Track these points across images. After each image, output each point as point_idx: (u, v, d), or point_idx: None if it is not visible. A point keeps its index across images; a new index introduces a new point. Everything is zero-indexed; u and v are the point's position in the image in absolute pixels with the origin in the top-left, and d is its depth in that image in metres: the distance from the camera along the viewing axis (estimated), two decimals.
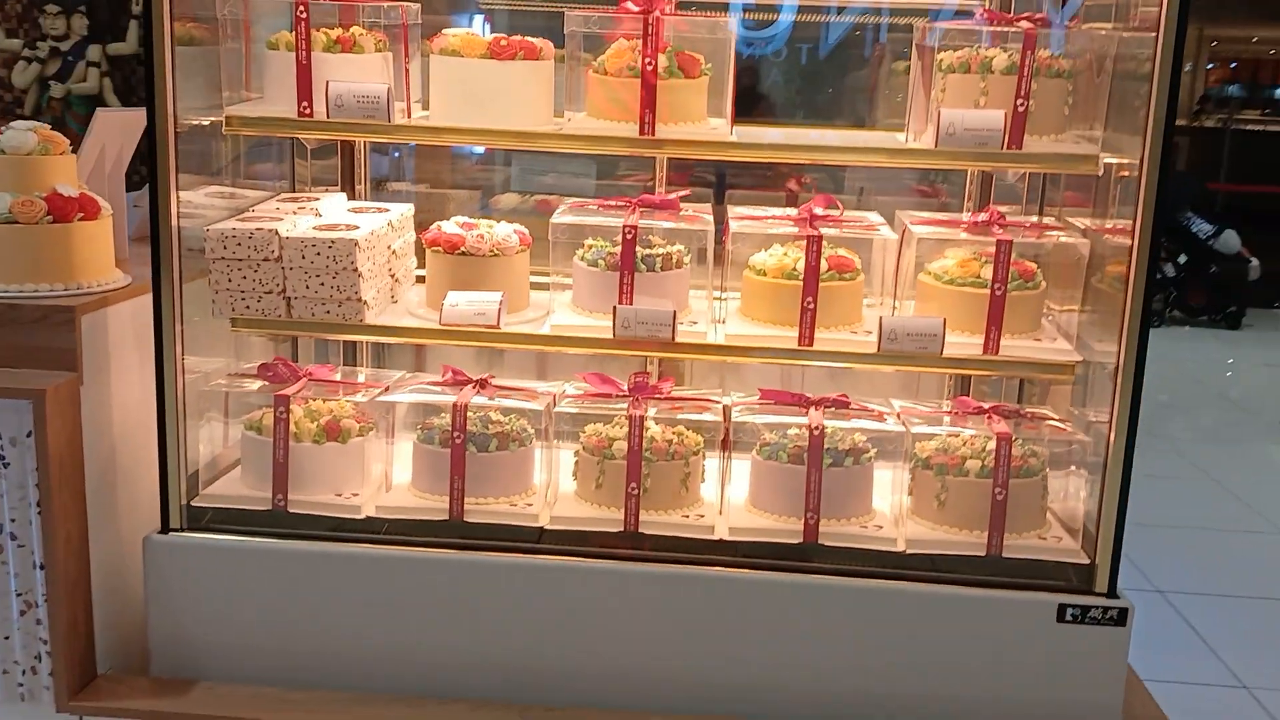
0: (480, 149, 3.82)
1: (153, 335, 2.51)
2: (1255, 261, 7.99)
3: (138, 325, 2.63)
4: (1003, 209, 2.79)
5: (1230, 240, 8.20)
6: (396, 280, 2.89)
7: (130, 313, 2.63)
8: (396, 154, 3.66)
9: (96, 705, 2.49)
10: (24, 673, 2.49)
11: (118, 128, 2.98)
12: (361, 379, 2.90)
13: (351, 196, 3.13)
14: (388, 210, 2.94)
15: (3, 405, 2.37)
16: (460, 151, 3.83)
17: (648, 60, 2.53)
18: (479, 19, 3.36)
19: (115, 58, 11.23)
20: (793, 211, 2.82)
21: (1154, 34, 2.28)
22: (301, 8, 2.57)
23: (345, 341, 3.17)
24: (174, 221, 2.48)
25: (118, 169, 2.99)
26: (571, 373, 2.97)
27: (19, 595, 2.46)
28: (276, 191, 3.05)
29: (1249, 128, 11.01)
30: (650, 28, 2.53)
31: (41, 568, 2.43)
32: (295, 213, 2.80)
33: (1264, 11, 11.04)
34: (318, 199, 2.96)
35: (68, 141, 2.66)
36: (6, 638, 2.48)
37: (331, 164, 3.18)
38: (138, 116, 2.66)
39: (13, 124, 2.58)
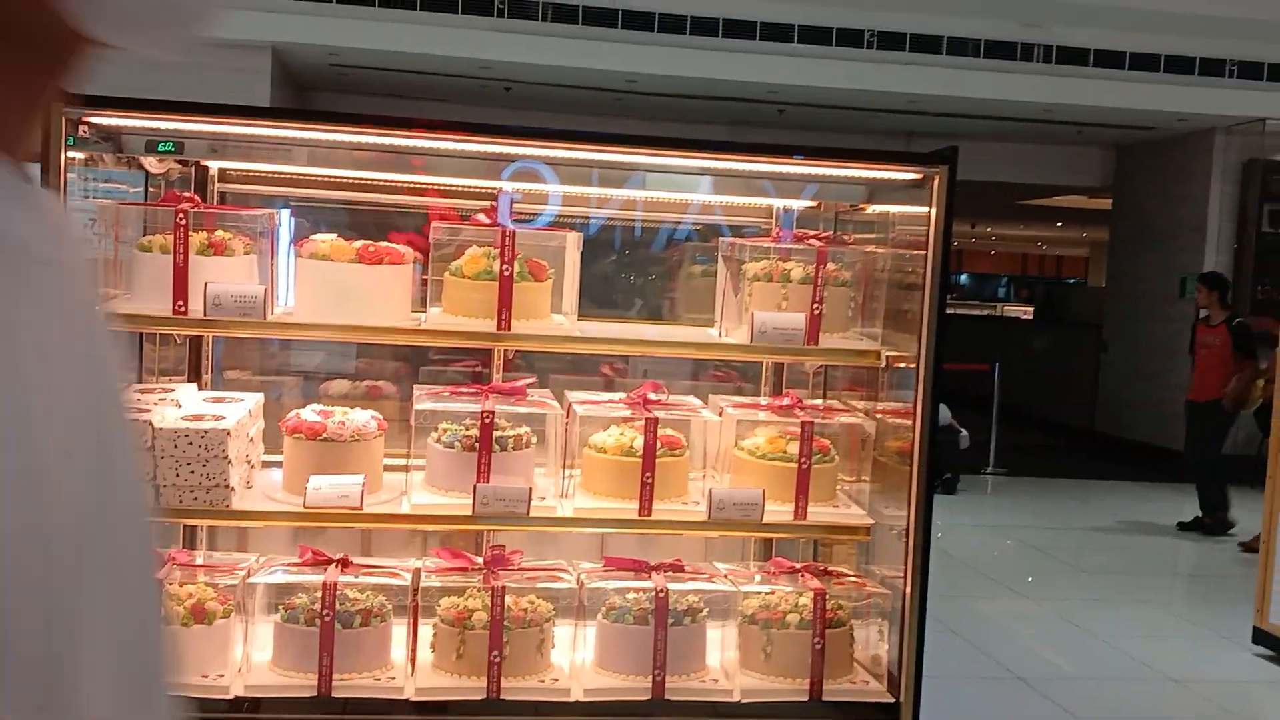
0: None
1: None
2: (965, 432, 9.04)
3: None
4: (796, 393, 3.27)
5: (943, 414, 9.23)
6: (251, 466, 3.02)
7: None
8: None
9: None
10: None
11: None
12: (206, 562, 2.99)
13: (200, 386, 3.26)
14: (242, 400, 3.09)
15: None
16: (290, 343, 4.00)
17: (505, 267, 2.88)
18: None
19: None
20: (621, 396, 3.19)
21: (921, 251, 2.85)
22: (181, 215, 2.77)
23: (191, 525, 3.23)
24: None
25: None
26: (410, 550, 3.17)
27: None
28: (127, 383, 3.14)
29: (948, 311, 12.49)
30: (506, 239, 2.88)
31: None
32: (156, 404, 2.91)
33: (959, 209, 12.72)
34: (173, 390, 3.08)
35: None
36: None
37: (173, 352, 3.31)
38: None
39: None
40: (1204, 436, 7.68)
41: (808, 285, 3.00)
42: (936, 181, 2.81)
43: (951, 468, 8.68)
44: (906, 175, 2.93)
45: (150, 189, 3.28)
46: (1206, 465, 7.75)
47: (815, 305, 2.97)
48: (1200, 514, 7.81)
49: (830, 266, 3.07)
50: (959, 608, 5.80)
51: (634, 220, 3.82)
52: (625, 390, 3.31)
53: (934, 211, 2.82)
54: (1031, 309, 19.32)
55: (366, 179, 3.26)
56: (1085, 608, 6.04)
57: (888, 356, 3.00)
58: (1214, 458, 7.70)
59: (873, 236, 3.32)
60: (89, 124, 2.67)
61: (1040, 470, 10.06)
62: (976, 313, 20.32)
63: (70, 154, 2.63)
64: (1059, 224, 19.42)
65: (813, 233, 3.21)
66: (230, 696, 2.70)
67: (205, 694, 2.69)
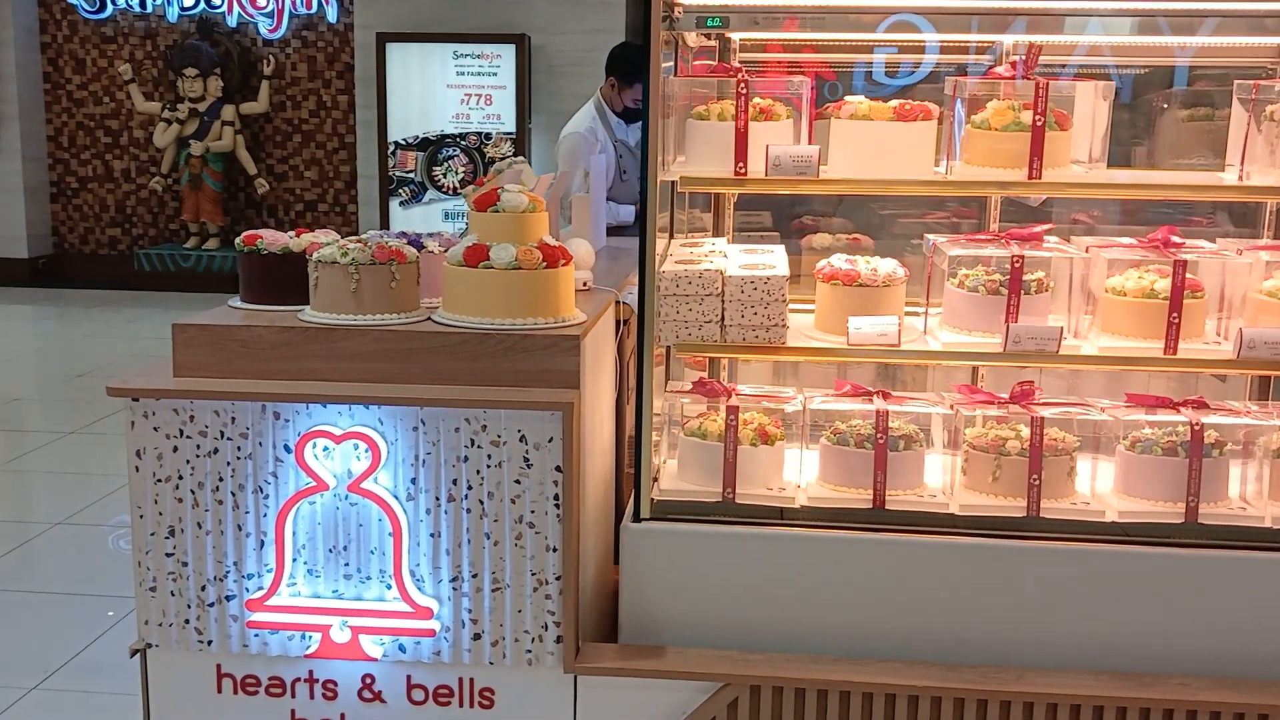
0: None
1: (638, 361, 3.01)
2: None
3: (592, 354, 3.14)
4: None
5: None
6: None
7: (591, 341, 3.14)
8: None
9: (596, 667, 2.96)
10: (532, 640, 2.98)
11: (545, 183, 3.51)
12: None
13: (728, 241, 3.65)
14: (773, 250, 3.45)
15: (532, 416, 2.87)
16: (777, 201, 4.34)
17: (1038, 117, 3.03)
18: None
19: (247, 117, 11.91)
20: (1133, 240, 3.30)
21: None
22: (742, 85, 3.10)
23: (710, 358, 3.67)
24: (656, 265, 3.00)
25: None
26: (911, 387, 3.46)
27: (533, 574, 2.95)
28: (667, 237, 3.57)
29: None
30: (1040, 90, 3.03)
31: (554, 550, 2.92)
32: (708, 255, 3.31)
33: None
34: (712, 243, 3.48)
35: (544, 200, 3.18)
36: (520, 611, 2.96)
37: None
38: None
39: (507, 187, 3.11)
40: None
41: None
42: None
43: None
44: None
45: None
46: None
47: None
48: None
49: None
50: None
51: (1108, 68, 3.83)
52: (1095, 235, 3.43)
53: None
54: None
55: (869, 40, 3.48)
56: None
57: None
58: None
59: None
60: (679, 4, 3.03)
61: None
62: None
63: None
64: None
65: None
66: (797, 505, 3.12)
67: (776, 502, 3.12)
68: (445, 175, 10.55)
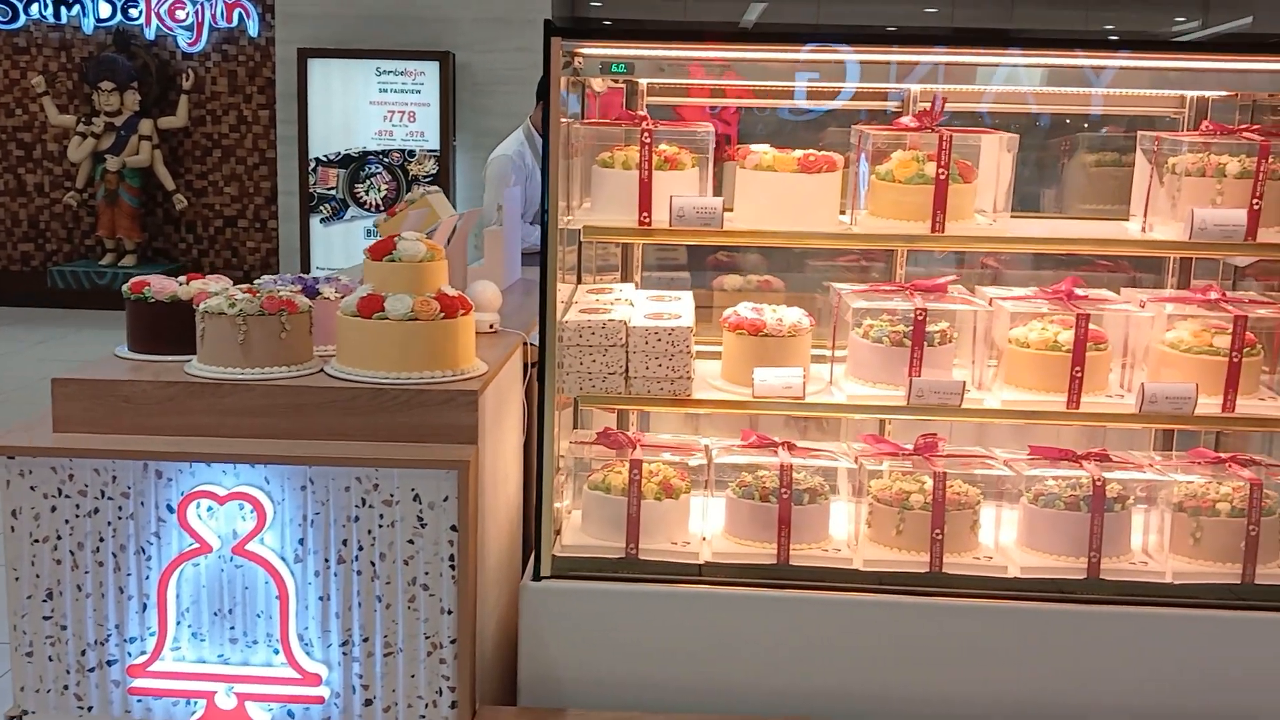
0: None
1: (536, 411, 2.94)
2: None
3: (494, 405, 3.06)
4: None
5: None
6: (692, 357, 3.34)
7: (493, 392, 3.06)
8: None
9: None
10: (426, 705, 2.88)
11: (448, 227, 3.43)
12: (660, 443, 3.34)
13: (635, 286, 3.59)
14: (680, 298, 3.40)
15: (426, 475, 2.78)
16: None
17: (941, 170, 3.02)
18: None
19: (165, 131, 11.65)
20: (1035, 290, 3.30)
21: None
22: (646, 135, 3.04)
23: (619, 410, 3.60)
24: (557, 315, 2.93)
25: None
26: (820, 437, 3.44)
27: (427, 638, 2.86)
28: (573, 283, 3.51)
29: None
30: (944, 143, 3.01)
31: (449, 613, 2.84)
32: (612, 303, 3.25)
33: None
34: (619, 290, 3.42)
35: (442, 249, 3.10)
36: (413, 676, 2.87)
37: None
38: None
39: (404, 235, 3.02)
40: None
41: (1245, 180, 2.99)
42: None
43: None
44: None
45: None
46: None
47: (1255, 200, 2.97)
48: None
49: (1269, 160, 3.04)
50: None
51: (1022, 111, 3.84)
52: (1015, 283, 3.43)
53: None
54: None
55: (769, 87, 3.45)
56: None
57: None
58: None
59: None
60: (580, 54, 2.97)
61: None
62: None
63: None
64: None
65: (1244, 126, 3.17)
66: (700, 561, 3.06)
67: (680, 558, 3.06)
68: (368, 192, 10.38)
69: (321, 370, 2.98)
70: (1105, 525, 3.02)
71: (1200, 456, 3.21)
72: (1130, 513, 3.12)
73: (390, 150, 10.48)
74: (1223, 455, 3.19)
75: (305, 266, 10.37)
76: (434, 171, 10.29)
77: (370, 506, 2.79)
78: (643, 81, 3.50)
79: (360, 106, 10.57)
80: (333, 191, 10.65)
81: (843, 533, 3.17)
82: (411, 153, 10.46)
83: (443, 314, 2.93)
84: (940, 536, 3.03)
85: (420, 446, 2.84)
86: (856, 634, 2.98)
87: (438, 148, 10.40)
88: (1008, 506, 3.19)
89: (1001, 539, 3.16)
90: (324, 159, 10.70)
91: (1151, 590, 3.00)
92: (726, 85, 3.42)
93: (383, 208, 10.25)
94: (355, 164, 10.62)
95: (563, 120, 3.13)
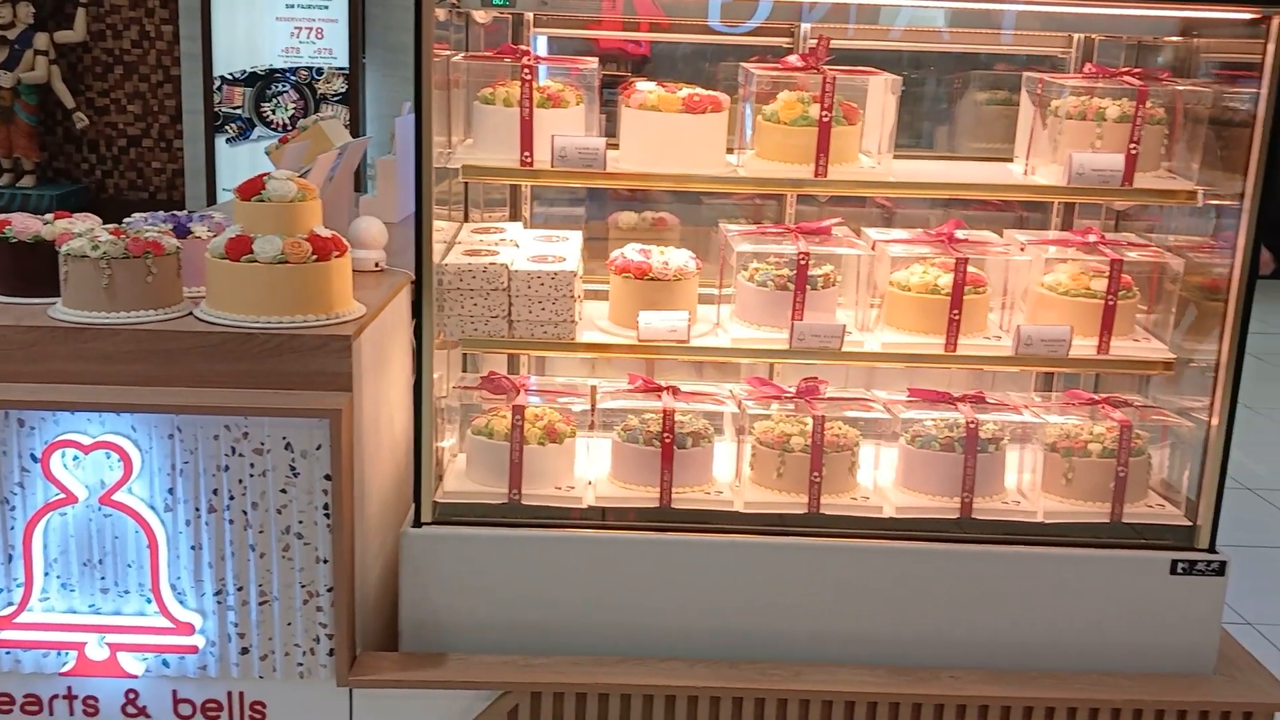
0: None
1: (415, 356, 2.90)
2: None
3: (374, 348, 3.00)
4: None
5: None
6: (580, 300, 3.30)
7: (372, 335, 3.00)
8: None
9: (372, 679, 2.88)
10: (304, 653, 2.87)
11: (325, 163, 3.32)
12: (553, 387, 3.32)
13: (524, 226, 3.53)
14: (568, 238, 3.35)
15: (298, 423, 2.73)
16: None
17: (825, 113, 2.99)
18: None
19: (63, 46, 11.17)
20: (921, 232, 3.31)
21: (1250, 89, 2.81)
22: (527, 71, 2.96)
23: (510, 354, 3.56)
24: (433, 256, 2.87)
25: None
26: (714, 378, 3.45)
27: (303, 586, 2.83)
28: (459, 221, 3.43)
29: None
30: (827, 85, 2.98)
31: (325, 562, 2.81)
32: (497, 244, 3.20)
33: None
34: (505, 230, 3.36)
35: (316, 188, 3.00)
36: (290, 624, 2.85)
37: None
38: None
39: (273, 174, 2.92)
40: None
41: (1124, 124, 3.00)
42: (1276, 22, 2.74)
43: None
44: (1241, 15, 2.86)
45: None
46: None
47: (1133, 145, 2.99)
48: None
49: (1147, 104, 3.05)
50: None
51: (919, 49, 3.80)
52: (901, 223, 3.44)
53: (1271, 47, 2.77)
54: None
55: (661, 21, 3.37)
56: None
57: (1204, 195, 3.00)
58: None
59: (1177, 69, 3.27)
60: None
61: None
62: None
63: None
64: None
65: (1125, 69, 3.17)
66: (584, 505, 3.07)
67: (563, 503, 3.06)
68: (275, 111, 10.07)
69: (190, 314, 2.89)
70: (979, 466, 3.07)
71: (1075, 398, 3.28)
72: (1004, 454, 3.17)
73: (298, 68, 10.15)
74: (1096, 397, 3.25)
75: (211, 187, 10.07)
76: (343, 90, 10.00)
77: (240, 455, 2.74)
78: (529, 13, 3.39)
79: (266, 22, 10.20)
80: (239, 111, 10.32)
81: (727, 475, 3.18)
82: (320, 70, 10.14)
83: (315, 256, 2.85)
84: (818, 478, 3.06)
85: (292, 394, 2.78)
86: (736, 575, 3.02)
87: (347, 65, 10.09)
88: (890, 448, 3.22)
89: (881, 480, 3.20)
90: (229, 77, 10.34)
91: (1023, 529, 3.06)
92: (610, 18, 3.32)
93: (290, 127, 9.96)
94: (261, 82, 10.28)
95: (444, 53, 3.04)
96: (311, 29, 9.98)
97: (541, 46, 3.78)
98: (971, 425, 3.07)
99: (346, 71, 9.94)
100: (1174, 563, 3.00)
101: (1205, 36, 3.13)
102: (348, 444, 2.77)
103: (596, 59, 3.14)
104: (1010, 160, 3.35)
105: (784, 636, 3.04)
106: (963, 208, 3.79)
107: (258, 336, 2.79)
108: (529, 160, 2.99)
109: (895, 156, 3.19)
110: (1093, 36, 3.41)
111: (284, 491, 2.76)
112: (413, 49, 2.75)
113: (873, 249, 3.22)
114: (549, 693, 2.89)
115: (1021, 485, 3.21)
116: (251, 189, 2.88)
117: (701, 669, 2.97)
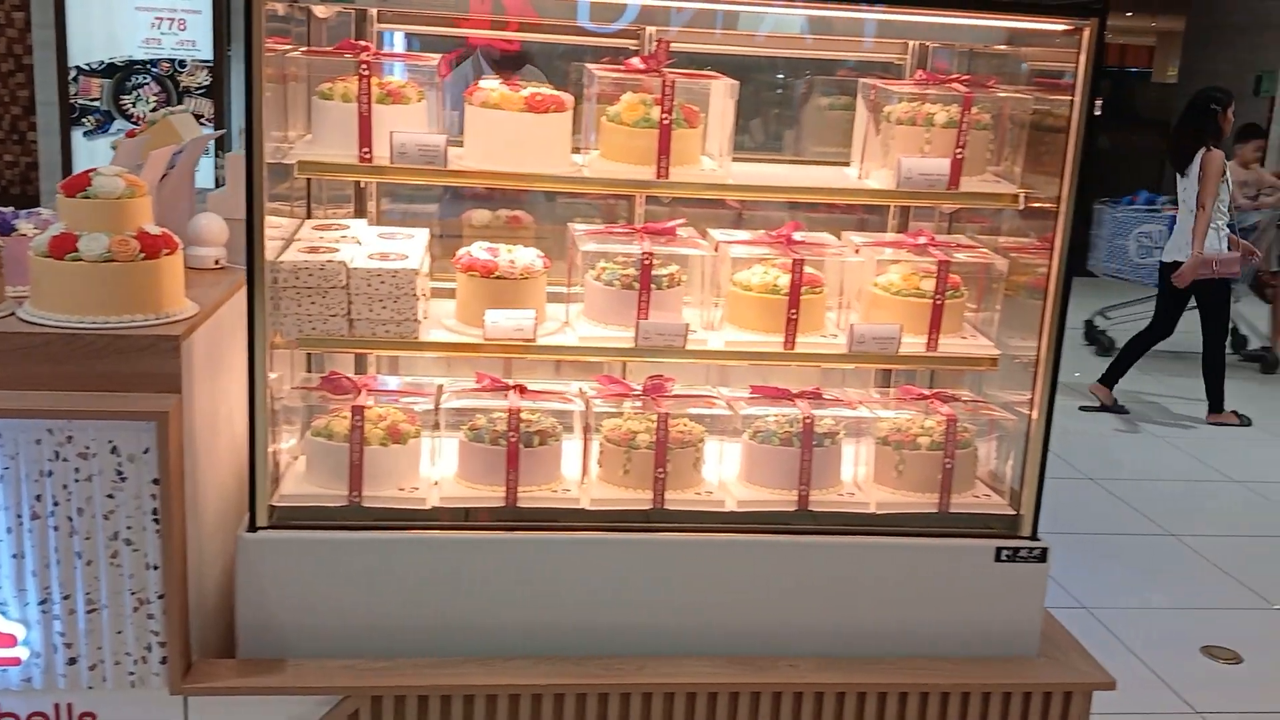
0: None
1: (246, 355, 2.85)
2: None
3: (210, 347, 2.95)
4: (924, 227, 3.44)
5: None
6: (425, 297, 3.29)
7: (206, 334, 2.94)
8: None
9: (207, 686, 2.82)
10: (135, 662, 2.80)
11: (159, 160, 3.24)
12: (395, 388, 3.30)
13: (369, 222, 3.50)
14: (413, 236, 3.33)
15: (124, 426, 2.67)
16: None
17: (665, 115, 3.03)
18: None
19: None
20: (763, 234, 3.39)
21: (1064, 96, 2.95)
22: (365, 66, 2.94)
23: (356, 353, 3.53)
24: (265, 254, 2.82)
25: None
26: (571, 376, 3.47)
27: (133, 594, 2.76)
28: (299, 217, 3.38)
29: None
30: (667, 88, 3.02)
31: (155, 568, 2.75)
32: (338, 241, 3.16)
33: None
34: (347, 226, 3.32)
35: (145, 184, 2.93)
36: (120, 632, 2.78)
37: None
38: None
39: (100, 170, 2.84)
40: None
41: (951, 129, 3.12)
42: (1087, 34, 2.88)
43: None
44: (1056, 26, 2.99)
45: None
46: None
47: (959, 150, 3.11)
48: None
49: (972, 110, 3.18)
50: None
51: (755, 53, 3.87)
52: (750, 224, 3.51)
53: (1083, 58, 2.90)
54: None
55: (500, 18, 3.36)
56: None
57: (1026, 198, 3.14)
58: None
59: (1005, 76, 3.40)
60: None
61: None
62: None
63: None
64: (1129, 13, 18.53)
65: (953, 75, 3.29)
66: (428, 506, 3.06)
67: (405, 504, 3.04)
68: (135, 104, 9.75)
69: (13, 314, 2.79)
70: (815, 460, 3.15)
71: (907, 393, 3.39)
72: (840, 447, 3.27)
73: (159, 60, 9.84)
74: (927, 392, 3.37)
75: None
76: (207, 83, 9.73)
77: (65, 460, 2.66)
78: (372, 9, 3.36)
79: (125, 12, 9.87)
80: (96, 103, 9.96)
81: (576, 474, 3.21)
82: (182, 63, 9.85)
83: (143, 254, 2.79)
84: (663, 474, 3.11)
85: (118, 396, 2.71)
86: (581, 572, 3.04)
87: (211, 58, 9.82)
88: (734, 443, 3.29)
89: (725, 475, 3.27)
90: (86, 68, 9.98)
91: (857, 520, 3.16)
92: (458, 17, 3.31)
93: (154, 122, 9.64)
94: (120, 74, 9.95)
95: (283, 48, 3.00)
96: (174, 20, 9.69)
97: (399, 43, 3.76)
98: (808, 420, 3.15)
99: (211, 64, 9.69)
100: (998, 550, 3.13)
101: (1028, 45, 3.26)
102: (176, 447, 2.71)
103: (439, 55, 3.13)
104: (845, 166, 3.44)
105: (630, 631, 3.07)
106: (809, 210, 3.88)
107: (83, 337, 2.71)
108: (368, 156, 2.97)
109: (743, 159, 3.26)
110: (927, 44, 3.53)
111: (111, 496, 2.69)
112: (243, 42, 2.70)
113: (715, 250, 3.27)
114: (390, 696, 2.88)
115: (857, 478, 3.32)
116: (77, 185, 2.80)
117: (546, 667, 2.99)
